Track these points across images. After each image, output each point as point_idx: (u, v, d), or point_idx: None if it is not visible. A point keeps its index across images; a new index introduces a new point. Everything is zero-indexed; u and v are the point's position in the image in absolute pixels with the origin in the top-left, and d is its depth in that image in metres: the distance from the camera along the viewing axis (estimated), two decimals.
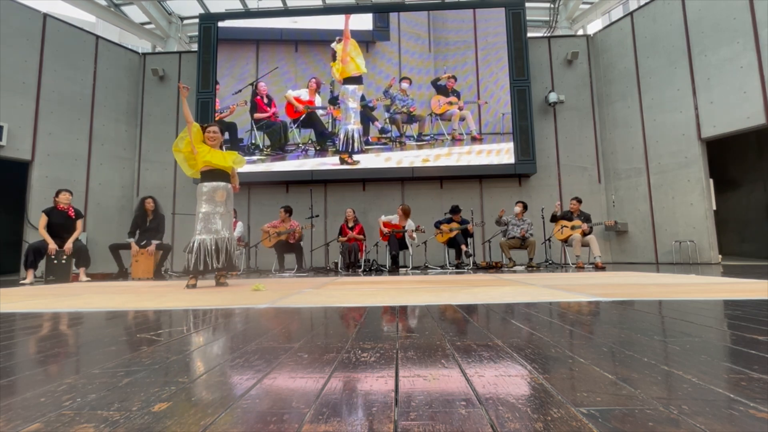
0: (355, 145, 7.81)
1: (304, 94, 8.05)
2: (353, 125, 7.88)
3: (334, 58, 8.13)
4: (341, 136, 7.86)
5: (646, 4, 7.49)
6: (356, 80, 8.02)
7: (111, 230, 7.55)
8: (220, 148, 3.63)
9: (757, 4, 6.02)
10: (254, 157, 7.86)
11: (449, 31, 8.13)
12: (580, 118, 8.10)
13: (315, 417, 0.57)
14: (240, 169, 3.66)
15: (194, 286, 3.27)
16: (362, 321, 1.44)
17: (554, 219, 6.23)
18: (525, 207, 6.45)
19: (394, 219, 6.65)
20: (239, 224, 6.51)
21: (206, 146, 3.47)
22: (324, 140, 7.91)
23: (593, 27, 10.06)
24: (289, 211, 6.64)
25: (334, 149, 7.86)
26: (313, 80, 8.07)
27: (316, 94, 8.06)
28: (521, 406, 0.59)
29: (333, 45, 8.12)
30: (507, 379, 0.73)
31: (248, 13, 8.57)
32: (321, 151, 7.87)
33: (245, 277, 5.18)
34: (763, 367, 0.76)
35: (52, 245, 4.85)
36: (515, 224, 6.38)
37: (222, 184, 3.44)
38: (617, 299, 1.90)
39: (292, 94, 8.04)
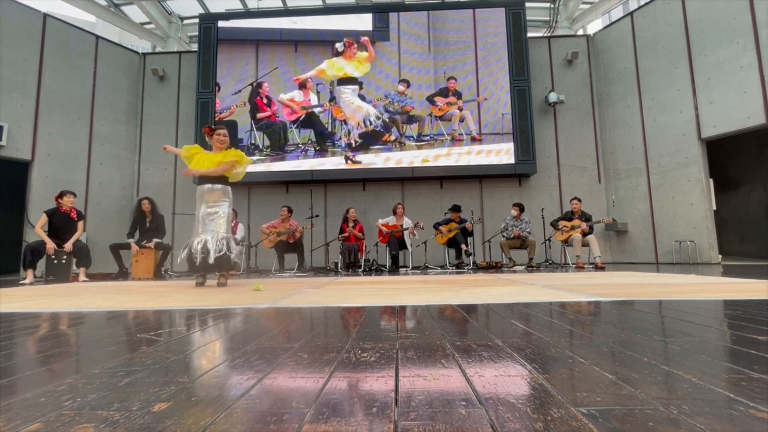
0: (356, 139, 7.81)
1: (297, 95, 8.04)
2: (357, 123, 7.87)
3: (335, 55, 8.09)
4: (344, 135, 7.86)
5: (646, 4, 7.49)
6: (353, 81, 8.02)
7: (111, 230, 7.55)
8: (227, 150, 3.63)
9: (757, 4, 6.02)
10: (254, 157, 7.86)
11: (449, 31, 8.13)
12: (580, 118, 8.10)
13: (315, 417, 0.57)
14: (233, 164, 3.65)
15: (202, 284, 3.39)
16: (362, 321, 1.44)
17: (554, 225, 6.25)
18: (521, 208, 6.45)
19: (392, 220, 6.67)
20: (240, 226, 6.52)
21: (197, 156, 3.50)
22: (323, 140, 7.91)
23: (593, 27, 10.06)
24: (291, 210, 6.72)
25: (333, 149, 7.86)
26: (310, 80, 8.06)
27: (311, 93, 8.05)
28: (521, 406, 0.59)
29: (337, 45, 8.09)
30: (507, 379, 0.73)
31: (248, 13, 8.56)
32: (320, 152, 7.87)
33: (245, 277, 5.18)
34: (763, 367, 0.76)
35: (51, 245, 4.84)
36: (513, 225, 6.39)
37: (218, 186, 3.45)
38: (617, 299, 1.90)
39: (284, 97, 8.04)
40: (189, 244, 3.36)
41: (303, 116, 7.97)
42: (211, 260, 3.29)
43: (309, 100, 8.04)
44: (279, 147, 7.92)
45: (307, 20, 8.29)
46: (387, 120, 7.89)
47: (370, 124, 7.74)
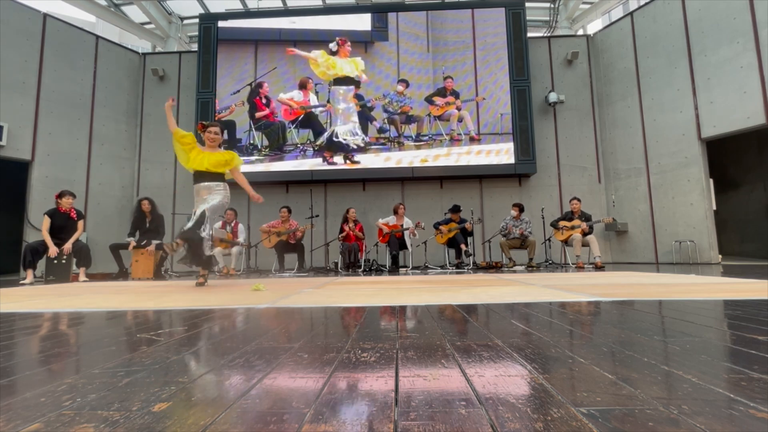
0: (352, 143, 7.81)
1: (297, 95, 8.04)
2: (349, 125, 7.87)
3: (332, 54, 8.09)
4: (339, 135, 7.86)
5: (646, 4, 7.49)
6: (349, 81, 8.02)
7: (111, 230, 7.54)
8: (219, 147, 3.65)
9: (757, 4, 6.02)
10: (252, 157, 7.86)
11: (448, 31, 8.13)
12: (580, 118, 8.10)
13: (315, 417, 0.57)
14: (240, 169, 3.67)
15: (202, 284, 3.37)
16: (362, 321, 1.44)
17: (554, 225, 6.26)
18: (521, 209, 6.45)
19: (392, 220, 6.67)
20: (240, 227, 6.52)
21: (193, 153, 3.48)
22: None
23: (593, 27, 10.07)
24: (290, 210, 6.73)
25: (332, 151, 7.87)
26: (310, 80, 8.05)
27: (311, 93, 8.05)
28: (521, 406, 0.59)
29: (330, 45, 8.09)
30: (507, 379, 0.73)
31: (248, 13, 8.56)
32: (319, 151, 7.87)
33: (245, 277, 5.18)
34: (763, 367, 0.76)
35: (53, 249, 4.85)
36: (515, 225, 6.39)
37: (213, 184, 3.47)
38: (617, 299, 1.90)
39: (284, 97, 8.03)
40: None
41: (302, 116, 7.97)
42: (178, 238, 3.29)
43: (308, 100, 8.03)
44: (278, 147, 7.92)
45: (307, 20, 8.29)
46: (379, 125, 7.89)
47: (336, 138, 7.74)
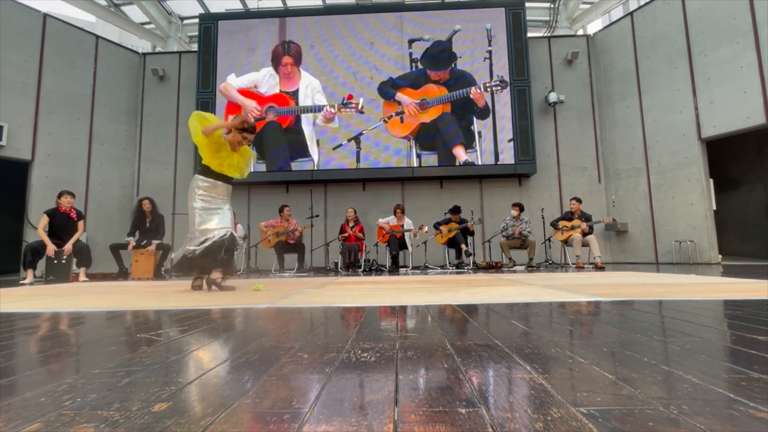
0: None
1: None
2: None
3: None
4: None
5: (646, 4, 7.49)
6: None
7: (111, 230, 7.54)
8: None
9: (757, 4, 6.02)
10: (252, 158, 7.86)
11: (448, 31, 8.12)
12: (580, 118, 8.10)
13: (315, 417, 0.57)
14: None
15: (200, 287, 3.05)
16: (362, 321, 1.44)
17: (554, 225, 6.25)
18: (521, 208, 6.45)
19: (392, 220, 6.66)
20: (239, 227, 6.52)
21: (224, 152, 3.17)
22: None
23: (593, 27, 10.06)
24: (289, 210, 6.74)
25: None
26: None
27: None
28: (521, 406, 0.59)
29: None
30: (507, 379, 0.73)
31: (248, 14, 8.56)
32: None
33: (245, 277, 5.18)
34: (763, 367, 0.76)
35: (51, 247, 4.84)
36: (515, 225, 6.38)
37: (227, 184, 3.30)
38: (617, 299, 1.90)
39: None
40: (209, 237, 2.96)
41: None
42: (217, 260, 2.98)
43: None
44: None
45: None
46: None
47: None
